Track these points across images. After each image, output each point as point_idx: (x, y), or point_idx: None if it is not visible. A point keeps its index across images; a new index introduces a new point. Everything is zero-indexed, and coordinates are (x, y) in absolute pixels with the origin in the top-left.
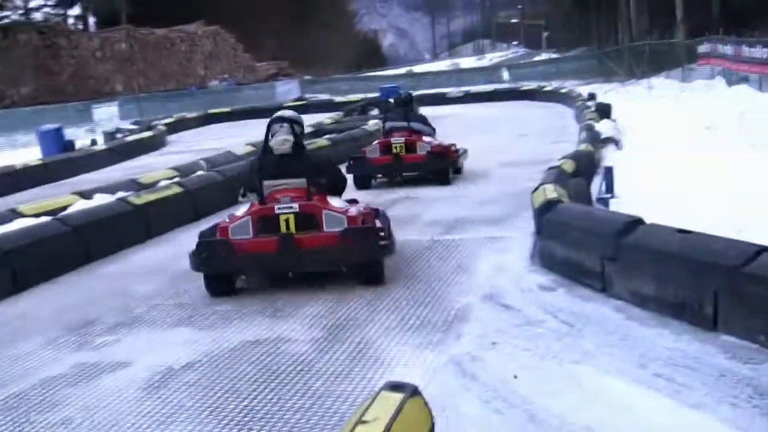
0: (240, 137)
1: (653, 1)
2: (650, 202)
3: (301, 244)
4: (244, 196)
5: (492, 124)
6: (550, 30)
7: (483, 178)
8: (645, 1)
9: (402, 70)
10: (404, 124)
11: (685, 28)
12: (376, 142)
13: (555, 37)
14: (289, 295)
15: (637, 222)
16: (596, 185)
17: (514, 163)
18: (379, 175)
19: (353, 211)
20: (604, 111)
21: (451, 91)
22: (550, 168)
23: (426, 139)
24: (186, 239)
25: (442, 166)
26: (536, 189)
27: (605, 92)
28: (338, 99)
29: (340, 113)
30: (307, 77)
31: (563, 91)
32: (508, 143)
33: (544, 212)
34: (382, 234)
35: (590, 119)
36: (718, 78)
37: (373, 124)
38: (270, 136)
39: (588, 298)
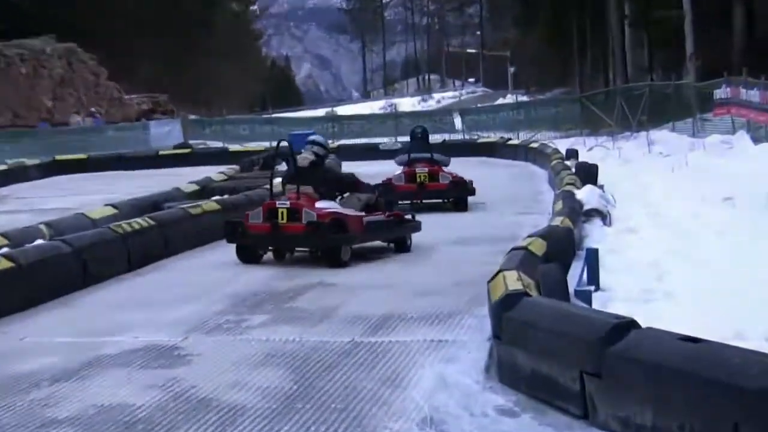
0: (97, 194)
1: (655, 29)
2: (646, 299)
3: (285, 229)
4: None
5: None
6: (517, 65)
7: (424, 259)
8: (643, 29)
9: (320, 112)
10: (427, 155)
11: (697, 65)
12: (400, 171)
13: (524, 74)
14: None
15: (629, 325)
16: (575, 273)
17: (467, 241)
18: (403, 202)
19: (326, 211)
20: (587, 174)
21: (386, 142)
22: (513, 249)
23: (446, 169)
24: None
25: (462, 195)
26: (494, 277)
27: (590, 149)
28: (234, 147)
29: (236, 167)
30: (193, 117)
31: (534, 145)
32: (459, 214)
33: (505, 309)
34: (340, 228)
35: (569, 184)
36: (741, 133)
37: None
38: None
39: (563, 427)
